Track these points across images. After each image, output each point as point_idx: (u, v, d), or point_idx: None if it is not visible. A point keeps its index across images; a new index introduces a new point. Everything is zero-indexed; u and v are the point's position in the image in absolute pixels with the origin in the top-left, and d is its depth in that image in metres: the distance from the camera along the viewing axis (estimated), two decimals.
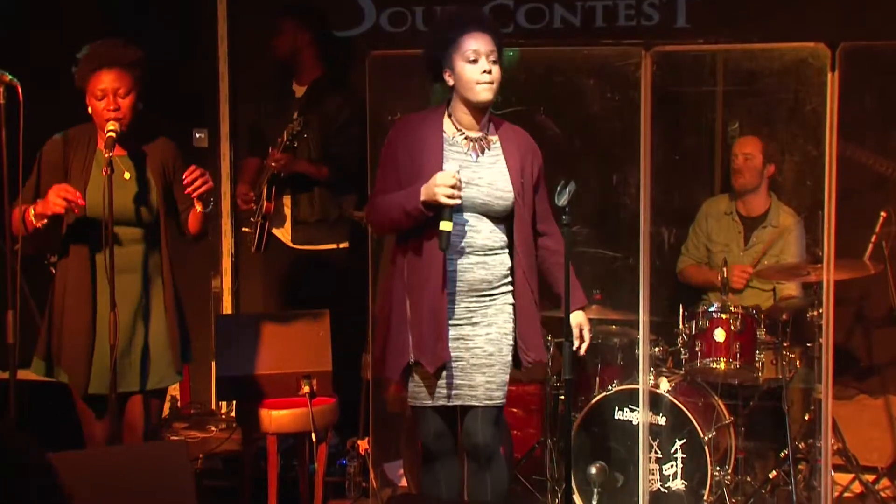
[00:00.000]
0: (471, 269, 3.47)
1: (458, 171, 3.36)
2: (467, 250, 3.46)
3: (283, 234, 5.21)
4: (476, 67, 3.42)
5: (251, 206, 5.15)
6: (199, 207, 3.66)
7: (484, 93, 3.43)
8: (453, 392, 3.48)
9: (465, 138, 3.51)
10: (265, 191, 5.07)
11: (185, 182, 3.57)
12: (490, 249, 3.48)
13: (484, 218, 3.48)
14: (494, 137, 3.54)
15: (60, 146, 3.62)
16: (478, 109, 3.50)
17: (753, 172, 4.92)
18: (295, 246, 5.21)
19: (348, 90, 5.24)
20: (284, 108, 5.23)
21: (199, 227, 3.74)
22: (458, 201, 3.35)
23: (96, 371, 3.58)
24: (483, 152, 3.51)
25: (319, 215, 5.15)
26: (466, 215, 3.46)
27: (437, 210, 3.35)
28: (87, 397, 3.61)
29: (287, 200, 5.18)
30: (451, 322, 3.45)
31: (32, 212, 3.48)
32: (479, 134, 3.53)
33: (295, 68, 5.28)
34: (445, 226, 3.34)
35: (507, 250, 3.53)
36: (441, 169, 3.40)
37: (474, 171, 3.48)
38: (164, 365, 3.67)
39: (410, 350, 3.47)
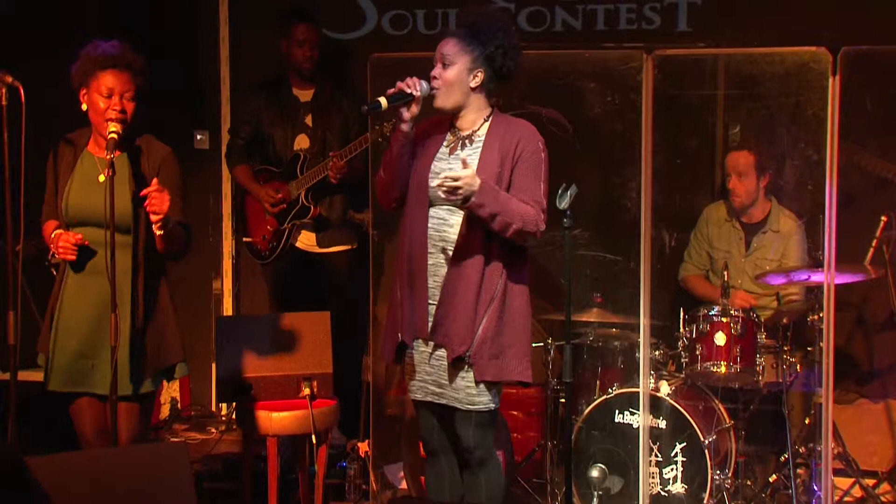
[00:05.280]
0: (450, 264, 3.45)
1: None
2: (441, 245, 3.45)
3: (306, 237, 5.21)
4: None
5: (283, 206, 5.11)
6: (155, 229, 3.42)
7: (435, 97, 3.46)
8: (439, 391, 3.50)
9: (454, 136, 3.53)
10: (304, 195, 5.07)
11: (141, 195, 3.40)
12: None
13: (457, 212, 3.43)
14: (482, 133, 3.50)
15: (69, 152, 3.61)
16: (444, 112, 3.52)
17: (749, 190, 4.87)
18: (320, 249, 5.22)
19: (352, 92, 5.24)
20: (290, 112, 5.20)
21: (163, 245, 3.50)
22: (412, 90, 3.36)
23: (56, 368, 3.57)
24: (462, 148, 3.49)
25: (342, 218, 5.17)
26: (440, 210, 3.46)
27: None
28: (72, 397, 3.60)
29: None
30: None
31: (58, 245, 3.50)
32: (468, 132, 3.51)
33: (299, 73, 5.22)
34: (383, 99, 3.38)
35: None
36: (429, 162, 3.49)
37: (449, 163, 3.48)
38: (125, 374, 3.51)
39: (399, 330, 3.51)
